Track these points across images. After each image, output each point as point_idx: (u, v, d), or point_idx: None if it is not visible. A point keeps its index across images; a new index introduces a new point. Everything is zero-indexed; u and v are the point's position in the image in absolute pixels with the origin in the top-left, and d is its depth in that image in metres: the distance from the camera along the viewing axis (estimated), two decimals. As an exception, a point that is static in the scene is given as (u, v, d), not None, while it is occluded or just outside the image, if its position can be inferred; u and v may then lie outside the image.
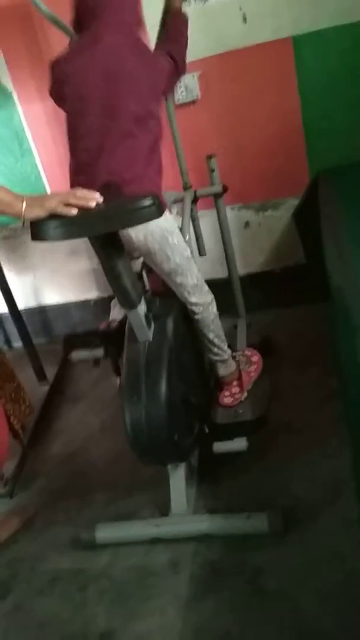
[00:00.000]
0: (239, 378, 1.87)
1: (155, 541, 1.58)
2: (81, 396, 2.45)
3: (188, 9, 2.13)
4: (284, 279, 2.60)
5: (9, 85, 2.44)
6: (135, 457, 1.53)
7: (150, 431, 1.42)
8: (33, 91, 2.43)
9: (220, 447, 1.71)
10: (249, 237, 2.57)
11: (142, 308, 1.46)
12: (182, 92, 2.30)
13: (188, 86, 2.29)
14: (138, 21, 1.61)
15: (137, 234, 1.52)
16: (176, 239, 1.60)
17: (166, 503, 1.64)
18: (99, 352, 1.73)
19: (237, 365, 1.88)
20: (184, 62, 1.72)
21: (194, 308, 1.70)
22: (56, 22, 1.75)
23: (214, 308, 1.75)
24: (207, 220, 2.33)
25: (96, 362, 1.79)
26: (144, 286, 1.76)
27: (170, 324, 1.55)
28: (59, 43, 1.74)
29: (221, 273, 2.41)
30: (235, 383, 1.86)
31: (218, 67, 2.27)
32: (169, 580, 1.47)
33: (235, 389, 1.85)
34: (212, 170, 2.14)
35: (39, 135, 2.53)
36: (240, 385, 1.85)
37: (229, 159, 2.35)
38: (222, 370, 1.84)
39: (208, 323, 1.74)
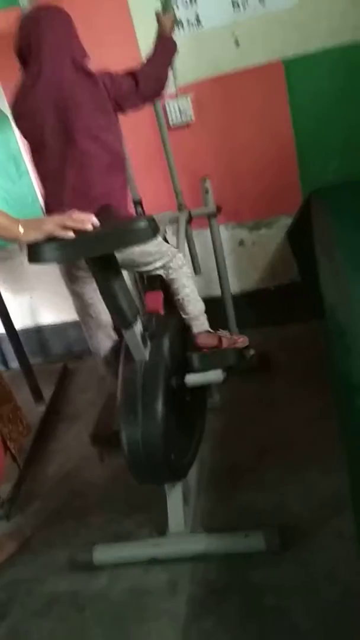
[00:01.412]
0: (219, 343, 1.80)
1: (153, 561, 1.58)
2: (78, 416, 2.45)
3: (182, 34, 2.19)
4: (278, 297, 2.62)
5: (6, 108, 2.47)
6: (132, 477, 1.53)
7: (147, 450, 1.43)
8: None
9: (194, 379, 1.59)
10: (243, 255, 2.60)
11: (138, 327, 1.47)
12: (176, 114, 2.34)
13: (182, 109, 2.33)
14: (78, 51, 1.68)
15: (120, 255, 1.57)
16: (155, 246, 1.67)
17: (163, 523, 1.64)
18: None
19: (216, 334, 1.83)
20: (154, 82, 1.76)
21: (169, 270, 1.73)
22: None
23: (180, 259, 1.76)
24: (202, 239, 2.36)
25: (101, 458, 1.84)
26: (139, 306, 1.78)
27: (166, 343, 1.56)
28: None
29: (216, 291, 2.42)
30: (211, 340, 1.80)
31: (211, 90, 2.31)
32: (167, 601, 1.46)
33: (211, 341, 1.79)
34: (206, 191, 2.17)
35: (35, 157, 2.56)
36: (219, 343, 1.79)
37: (223, 180, 2.38)
38: (195, 328, 1.80)
39: (181, 277, 1.75)
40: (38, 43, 1.61)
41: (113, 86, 1.67)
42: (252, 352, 1.87)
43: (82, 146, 1.60)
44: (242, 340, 1.95)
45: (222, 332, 1.92)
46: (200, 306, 1.82)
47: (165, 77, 1.79)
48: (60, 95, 1.59)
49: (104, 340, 1.86)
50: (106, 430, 1.70)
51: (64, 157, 1.62)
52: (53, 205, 1.67)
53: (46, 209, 1.72)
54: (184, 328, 1.78)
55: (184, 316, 1.81)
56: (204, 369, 1.61)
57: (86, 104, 1.61)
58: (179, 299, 1.79)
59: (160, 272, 1.74)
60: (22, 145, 2.54)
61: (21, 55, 1.68)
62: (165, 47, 1.79)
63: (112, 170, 1.65)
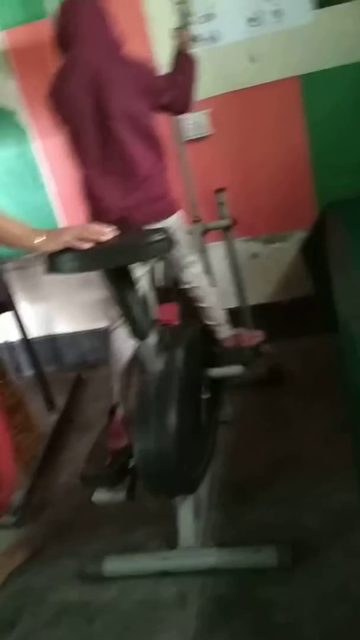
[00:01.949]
0: (240, 337, 2.03)
1: (163, 574, 1.57)
2: (90, 425, 2.45)
3: (199, 50, 2.21)
4: (291, 310, 2.62)
5: (26, 121, 2.52)
6: (144, 488, 1.53)
7: (160, 463, 1.43)
8: (48, 127, 2.48)
9: (216, 372, 1.78)
10: (257, 268, 2.60)
11: (152, 338, 1.48)
12: (192, 128, 2.36)
13: (198, 123, 2.35)
14: (113, 37, 1.73)
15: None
16: (184, 231, 1.84)
17: (174, 535, 1.63)
18: (121, 495, 1.65)
19: (239, 333, 2.04)
20: (186, 96, 1.81)
21: (195, 280, 1.90)
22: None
23: (215, 290, 1.98)
24: (216, 252, 2.37)
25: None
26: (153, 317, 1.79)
27: (180, 355, 1.56)
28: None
29: (229, 304, 2.43)
30: (233, 341, 2.05)
31: (227, 104, 2.33)
32: (177, 614, 1.45)
33: (233, 341, 2.04)
34: (221, 204, 2.18)
35: (52, 170, 2.60)
36: (239, 342, 2.01)
37: (237, 193, 2.39)
38: (221, 334, 2.00)
39: (208, 290, 1.93)
40: (75, 29, 1.66)
41: (155, 79, 1.73)
42: (268, 347, 1.95)
43: (121, 131, 1.64)
44: (258, 335, 2.06)
45: (241, 330, 2.03)
46: (221, 313, 1.97)
47: (192, 93, 1.83)
48: (96, 79, 1.62)
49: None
50: (97, 470, 1.69)
51: (103, 142, 1.65)
52: (93, 190, 1.72)
53: (87, 195, 1.76)
54: (200, 339, 1.79)
55: (208, 323, 1.94)
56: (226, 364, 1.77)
57: (124, 89, 1.64)
58: (202, 307, 1.92)
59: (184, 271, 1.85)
60: (39, 157, 2.57)
61: (59, 43, 1.73)
62: (186, 62, 1.81)
63: (152, 154, 1.71)
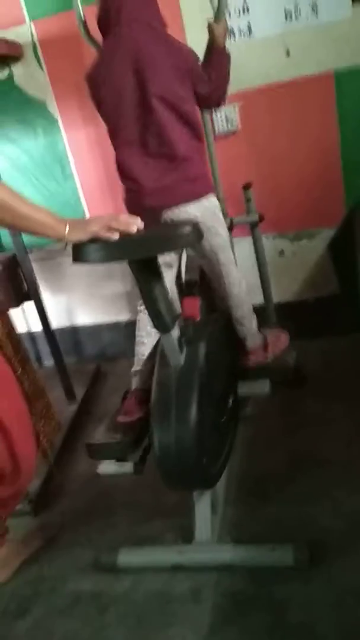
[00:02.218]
0: (265, 346, 1.98)
1: (177, 568, 1.57)
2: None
3: (233, 43, 2.19)
4: (317, 309, 2.59)
5: (55, 112, 2.53)
6: (162, 481, 1.52)
7: (179, 456, 1.42)
8: (78, 118, 2.51)
9: (243, 389, 1.77)
10: (283, 266, 2.58)
11: (175, 332, 1.47)
12: (222, 122, 2.35)
13: (228, 117, 2.34)
14: (156, 18, 1.72)
15: (193, 211, 1.69)
16: (220, 214, 1.80)
17: (190, 529, 1.63)
18: (128, 467, 1.69)
19: (264, 338, 1.99)
20: (221, 91, 1.81)
21: (230, 287, 1.86)
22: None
23: (244, 284, 1.91)
24: (242, 248, 2.35)
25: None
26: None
27: (202, 349, 1.55)
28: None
29: (255, 299, 2.41)
30: (261, 351, 1.98)
31: (259, 99, 2.31)
32: (190, 609, 1.45)
33: (260, 354, 1.98)
34: (249, 200, 2.16)
35: (81, 160, 2.60)
36: (265, 352, 1.98)
37: (266, 189, 2.37)
38: (250, 342, 1.96)
39: (240, 300, 1.89)
40: (117, 10, 1.64)
41: (197, 65, 1.72)
42: (294, 354, 1.93)
43: (161, 111, 1.63)
44: (284, 340, 2.06)
45: (266, 334, 2.01)
46: (253, 321, 1.95)
47: (226, 88, 1.82)
48: (139, 59, 1.62)
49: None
50: (104, 439, 1.70)
51: (143, 122, 1.65)
52: (130, 171, 1.72)
53: (123, 176, 1.76)
54: (223, 335, 1.78)
55: (239, 330, 1.93)
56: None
57: (166, 70, 1.63)
58: (235, 317, 1.91)
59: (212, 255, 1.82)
60: (69, 148, 2.58)
61: (102, 26, 1.71)
62: (221, 57, 1.79)
63: (190, 137, 1.71)
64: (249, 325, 1.94)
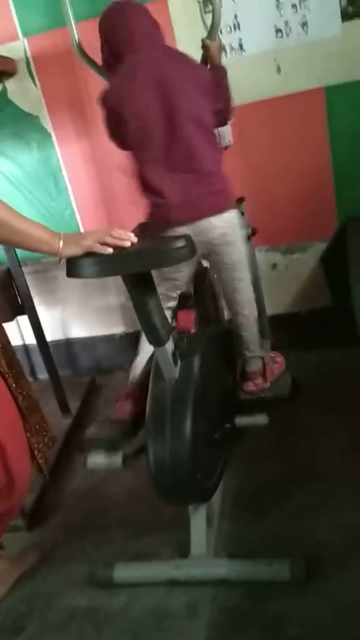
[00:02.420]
0: (264, 371, 2.02)
1: (173, 583, 1.56)
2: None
3: (224, 59, 2.22)
4: (310, 322, 2.60)
5: (49, 126, 2.54)
6: (157, 495, 1.52)
7: (174, 470, 1.42)
8: (71, 133, 2.53)
9: (242, 421, 1.79)
10: (276, 279, 2.59)
11: (169, 345, 1.47)
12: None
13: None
14: (163, 39, 1.77)
15: (219, 222, 1.74)
16: (243, 230, 1.86)
17: (186, 544, 1.62)
18: (117, 460, 1.72)
19: (262, 360, 2.03)
20: (230, 105, 1.87)
21: (241, 307, 1.90)
22: (97, 70, 1.85)
23: (254, 305, 1.97)
24: (235, 261, 2.36)
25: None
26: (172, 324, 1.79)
27: (197, 363, 1.55)
28: (98, 87, 1.82)
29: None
30: (259, 377, 2.05)
31: (251, 115, 2.34)
32: (187, 625, 1.44)
33: (259, 380, 2.05)
34: (242, 213, 2.17)
35: (74, 175, 2.61)
36: (264, 377, 2.05)
37: (258, 203, 2.38)
38: (251, 366, 2.01)
39: (248, 321, 1.92)
40: (131, 36, 1.66)
41: (211, 80, 1.76)
42: (289, 380, 2.02)
43: (187, 129, 1.67)
44: (280, 363, 2.11)
45: (264, 357, 2.03)
46: (257, 344, 2.00)
47: (231, 101, 1.88)
48: (161, 79, 1.64)
49: None
50: (96, 434, 1.76)
51: (169, 139, 1.68)
52: (154, 185, 1.74)
53: (146, 189, 1.77)
54: (218, 348, 1.78)
55: (243, 352, 1.99)
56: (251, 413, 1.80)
57: (189, 88, 1.66)
58: (240, 338, 1.96)
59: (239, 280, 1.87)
60: (62, 162, 2.60)
61: (113, 54, 1.72)
62: (219, 73, 1.82)
63: (214, 151, 1.77)
64: (254, 348, 1.98)
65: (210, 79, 1.76)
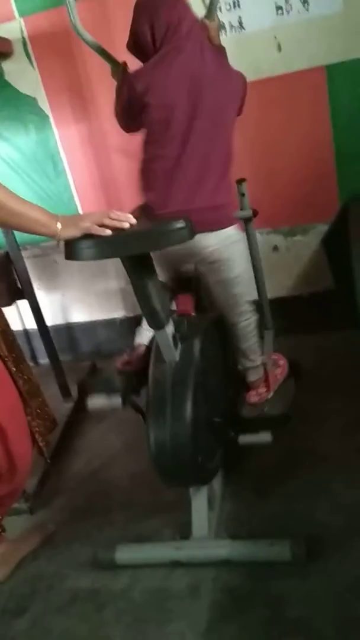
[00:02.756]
0: (266, 379, 1.97)
1: (175, 564, 1.57)
2: (105, 414, 2.45)
3: (224, 38, 2.18)
4: (311, 304, 2.59)
5: (47, 108, 2.51)
6: (158, 478, 1.52)
7: (175, 452, 1.42)
8: (69, 115, 2.50)
9: (245, 439, 1.75)
10: (277, 261, 2.58)
11: (169, 328, 1.46)
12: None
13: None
14: (202, 35, 1.68)
15: (207, 242, 1.64)
16: (242, 247, 1.74)
17: (187, 526, 1.62)
18: (117, 401, 1.70)
19: (264, 368, 1.97)
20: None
21: (239, 319, 1.83)
22: (97, 49, 1.81)
23: (254, 318, 1.88)
24: (235, 244, 2.34)
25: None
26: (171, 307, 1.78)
27: (197, 345, 1.55)
28: (96, 68, 1.80)
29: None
30: (262, 385, 1.97)
31: (252, 93, 2.28)
32: (189, 605, 1.45)
33: (262, 389, 1.98)
34: (243, 195, 2.15)
35: (73, 157, 2.59)
36: (267, 386, 1.97)
37: (259, 184, 2.36)
38: (252, 376, 1.95)
39: (247, 333, 1.87)
40: (178, 23, 1.59)
41: (245, 83, 1.72)
42: (293, 388, 2.02)
43: (207, 134, 1.61)
44: (283, 367, 2.06)
45: (264, 361, 1.97)
46: (258, 354, 1.94)
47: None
48: (196, 77, 1.58)
49: None
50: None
51: (185, 144, 1.62)
52: (157, 185, 1.68)
53: (146, 188, 1.72)
54: (218, 331, 1.78)
55: (242, 362, 1.93)
56: (255, 431, 1.76)
57: (219, 93, 1.61)
58: (239, 349, 1.90)
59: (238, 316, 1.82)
60: (60, 145, 2.57)
61: (140, 42, 1.65)
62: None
63: (225, 166, 1.70)
64: (253, 358, 1.93)
65: (240, 86, 1.72)
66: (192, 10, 1.68)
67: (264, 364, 1.97)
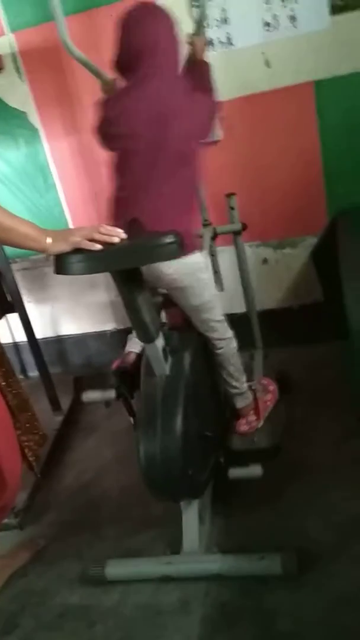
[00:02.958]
0: (256, 407, 1.91)
1: (166, 579, 1.56)
2: (95, 427, 2.45)
3: (213, 53, 2.21)
4: (301, 316, 2.60)
5: (37, 122, 2.52)
6: (148, 492, 1.52)
7: (165, 466, 1.42)
8: (59, 128, 2.51)
9: (235, 473, 1.71)
10: (266, 274, 2.59)
11: (160, 342, 1.47)
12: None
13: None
14: (178, 62, 1.64)
15: (166, 269, 1.57)
16: (206, 275, 1.67)
17: (178, 540, 1.62)
18: (111, 393, 1.73)
19: (253, 395, 1.92)
20: (215, 101, 1.78)
21: (216, 343, 1.75)
22: (87, 65, 1.83)
23: (234, 343, 1.80)
24: (225, 256, 2.35)
25: (107, 403, 1.79)
26: (162, 320, 1.78)
27: (187, 358, 1.55)
28: (86, 82, 1.80)
29: (238, 308, 2.42)
30: (251, 412, 1.90)
31: (241, 109, 2.33)
32: (180, 620, 1.44)
33: (252, 417, 1.90)
34: (232, 208, 2.17)
35: (63, 171, 2.59)
36: (257, 414, 1.90)
37: (248, 198, 2.38)
38: (240, 403, 1.88)
39: (228, 357, 1.79)
40: (139, 52, 1.54)
41: (215, 113, 1.67)
42: (284, 415, 1.96)
43: (170, 166, 1.56)
44: (273, 392, 2.01)
45: (253, 387, 1.96)
46: (243, 379, 1.87)
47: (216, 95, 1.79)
48: (161, 113, 1.53)
49: None
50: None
51: (149, 172, 1.56)
52: (123, 211, 1.64)
53: (115, 216, 1.68)
54: (207, 344, 1.78)
55: (228, 389, 1.86)
56: (244, 464, 1.72)
57: (187, 126, 1.56)
58: (222, 375, 1.83)
59: (209, 335, 1.75)
60: (50, 159, 2.58)
61: (119, 63, 1.61)
62: (204, 69, 1.79)
63: (190, 199, 1.65)
64: (238, 384, 1.85)
65: (206, 116, 1.66)
66: (175, 30, 1.62)
67: (253, 390, 1.93)
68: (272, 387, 2.05)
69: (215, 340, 1.75)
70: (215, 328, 1.73)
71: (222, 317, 1.75)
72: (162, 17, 1.60)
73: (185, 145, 1.57)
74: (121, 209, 1.65)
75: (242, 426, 1.89)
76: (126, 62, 1.60)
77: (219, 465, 1.73)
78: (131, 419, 1.66)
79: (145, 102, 1.55)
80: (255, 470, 1.69)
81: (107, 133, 1.66)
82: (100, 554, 1.69)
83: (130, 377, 1.71)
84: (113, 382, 1.75)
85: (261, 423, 1.89)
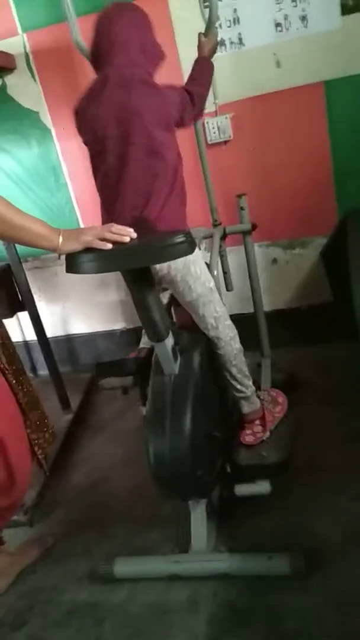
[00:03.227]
0: (262, 417, 1.84)
1: (174, 578, 1.56)
2: (104, 426, 2.46)
3: (224, 54, 2.22)
4: (310, 317, 2.60)
5: (48, 122, 2.54)
6: (157, 490, 1.52)
7: (174, 465, 1.42)
8: (71, 128, 2.48)
9: (242, 490, 1.69)
10: (276, 274, 2.59)
11: (169, 341, 1.47)
12: (215, 132, 2.36)
13: (221, 127, 2.35)
14: (151, 57, 1.63)
15: (158, 265, 1.56)
16: (198, 268, 1.62)
17: (186, 539, 1.62)
18: (129, 380, 1.75)
19: (261, 403, 1.86)
20: (202, 101, 1.75)
21: (217, 342, 1.71)
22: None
23: (236, 343, 1.75)
24: (235, 256, 2.36)
25: (125, 390, 1.79)
26: (172, 320, 1.79)
27: (196, 358, 1.56)
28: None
29: (248, 309, 2.42)
30: (257, 422, 1.83)
31: (251, 109, 2.33)
32: (187, 619, 1.44)
33: (258, 428, 1.82)
34: (242, 209, 2.17)
35: (74, 170, 2.61)
36: (263, 425, 1.82)
37: (258, 198, 2.39)
38: (245, 408, 1.82)
39: (230, 358, 1.73)
40: (109, 48, 1.56)
41: (182, 100, 1.63)
42: (293, 427, 1.87)
43: (140, 162, 1.55)
44: (282, 403, 1.94)
45: (262, 397, 1.90)
46: (248, 382, 1.80)
47: (207, 97, 1.79)
48: (124, 109, 1.53)
49: None
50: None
51: (121, 171, 1.57)
52: (106, 216, 1.65)
53: (102, 218, 1.69)
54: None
55: (233, 392, 1.80)
56: (252, 479, 1.69)
57: (150, 118, 1.55)
58: (226, 377, 1.78)
59: (209, 333, 1.71)
60: (62, 158, 2.59)
61: (93, 60, 1.64)
62: (204, 65, 1.80)
63: (170, 190, 1.59)
64: (242, 388, 1.78)
65: (174, 110, 1.62)
66: (137, 25, 1.61)
67: (261, 399, 1.88)
68: (282, 398, 1.96)
69: (215, 338, 1.70)
70: (214, 325, 1.68)
71: (222, 315, 1.70)
72: (134, 17, 1.61)
73: (150, 138, 1.55)
74: (108, 207, 1.65)
75: (247, 437, 1.80)
76: (97, 60, 1.62)
77: (226, 475, 1.71)
78: (143, 410, 1.65)
79: (106, 103, 1.55)
80: (263, 486, 1.66)
81: (84, 140, 1.67)
82: (109, 552, 1.69)
83: (145, 365, 1.71)
84: (130, 367, 1.77)
85: (267, 435, 1.79)
